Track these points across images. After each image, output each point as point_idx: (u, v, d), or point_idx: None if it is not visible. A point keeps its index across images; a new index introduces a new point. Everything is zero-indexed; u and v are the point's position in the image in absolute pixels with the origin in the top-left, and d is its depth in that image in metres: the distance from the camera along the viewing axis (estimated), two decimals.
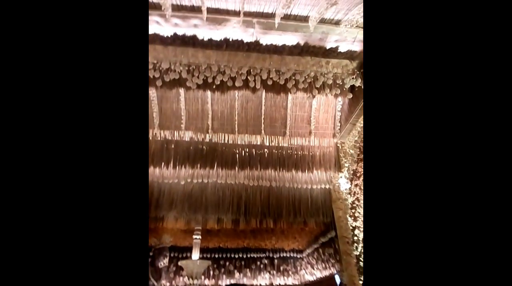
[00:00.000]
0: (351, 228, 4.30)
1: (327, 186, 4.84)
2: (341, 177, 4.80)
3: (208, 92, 4.48)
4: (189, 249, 5.87)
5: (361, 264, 3.98)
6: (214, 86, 3.85)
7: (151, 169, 4.50)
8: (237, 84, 3.77)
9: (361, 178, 4.17)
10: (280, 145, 4.80)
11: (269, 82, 3.83)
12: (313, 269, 5.40)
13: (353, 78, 3.92)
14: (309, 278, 5.52)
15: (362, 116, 4.19)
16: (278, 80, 3.82)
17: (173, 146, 4.60)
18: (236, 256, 6.34)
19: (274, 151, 4.78)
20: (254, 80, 3.78)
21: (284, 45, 3.68)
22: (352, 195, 4.35)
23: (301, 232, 5.54)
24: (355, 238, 4.15)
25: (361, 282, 3.94)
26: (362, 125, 4.23)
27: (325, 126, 4.86)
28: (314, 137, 4.83)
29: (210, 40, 3.57)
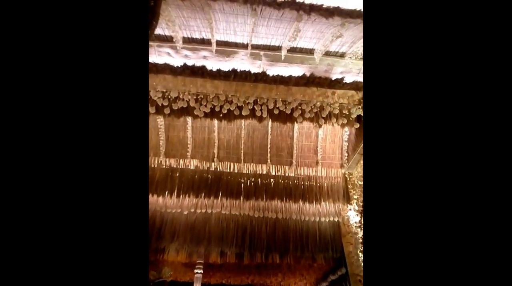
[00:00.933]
0: (362, 264, 4.02)
1: (336, 219, 4.64)
2: (350, 210, 4.62)
3: (215, 121, 4.52)
4: (190, 285, 5.54)
5: None
6: (221, 115, 3.89)
7: (154, 198, 4.42)
8: (243, 113, 3.80)
9: None
10: (287, 174, 4.71)
11: (276, 112, 3.85)
12: None
13: (359, 108, 3.93)
14: None
15: None
16: (284, 110, 3.85)
17: (178, 174, 4.55)
18: None
19: (280, 180, 4.68)
20: (261, 110, 3.82)
21: (290, 76, 3.76)
22: (362, 229, 4.14)
23: (309, 269, 5.20)
24: None
25: None
26: None
27: (332, 157, 4.79)
28: (321, 167, 4.74)
29: (219, 70, 3.68)
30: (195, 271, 5.51)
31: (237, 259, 4.58)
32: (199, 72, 3.68)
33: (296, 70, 3.69)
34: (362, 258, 4.09)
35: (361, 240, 4.19)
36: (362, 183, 4.29)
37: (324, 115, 3.92)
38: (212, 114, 3.89)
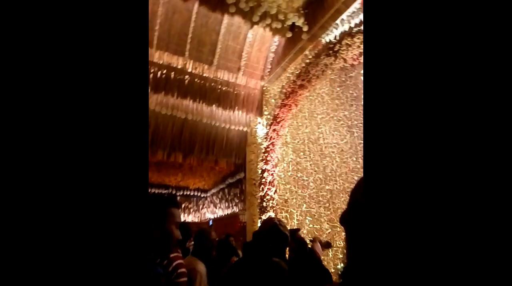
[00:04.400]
0: (260, 170, 4.36)
1: (245, 129, 4.71)
2: (259, 123, 4.72)
3: None
4: None
5: (264, 204, 4.14)
6: None
7: None
8: None
9: (281, 123, 4.16)
10: (205, 75, 4.28)
11: None
12: (216, 208, 5.47)
13: (296, 15, 3.63)
14: (210, 216, 5.60)
15: (294, 62, 4.04)
16: None
17: None
18: None
19: (196, 80, 4.24)
20: None
21: None
22: (268, 140, 4.35)
23: (209, 171, 5.40)
24: (263, 180, 4.24)
25: (259, 220, 4.13)
26: (292, 71, 4.10)
27: (255, 66, 4.55)
28: (242, 75, 4.48)
29: None
30: None
31: None
32: None
33: None
34: (261, 167, 4.40)
35: (263, 150, 4.44)
36: (278, 97, 4.31)
37: (260, 13, 3.48)
38: None
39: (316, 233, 4.95)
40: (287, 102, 3.98)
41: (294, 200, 4.87)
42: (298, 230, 2.31)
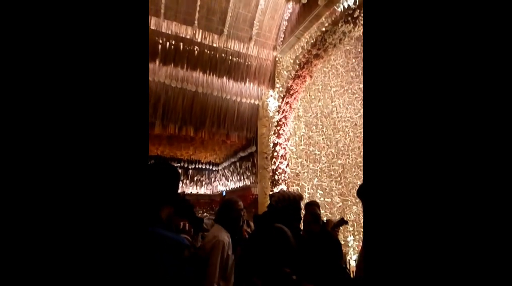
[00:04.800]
0: (272, 144, 4.32)
1: (256, 102, 4.61)
2: (271, 95, 4.60)
3: None
4: None
5: (275, 177, 4.15)
6: None
7: None
8: None
9: (294, 95, 4.03)
10: (214, 45, 4.12)
11: None
12: (227, 181, 5.54)
13: None
14: (222, 188, 5.70)
15: (309, 31, 3.82)
16: None
17: None
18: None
19: (206, 50, 4.10)
20: None
21: None
22: (281, 113, 4.25)
23: (221, 145, 5.40)
24: (275, 153, 4.21)
25: (270, 192, 4.16)
26: (307, 40, 3.89)
27: (267, 35, 4.34)
28: (253, 45, 4.30)
29: None
30: None
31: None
32: None
33: None
34: (273, 141, 4.35)
35: (275, 124, 4.36)
36: (291, 68, 4.14)
37: None
38: None
39: (327, 206, 4.98)
40: (301, 74, 3.83)
41: (306, 174, 4.85)
42: (314, 203, 2.27)
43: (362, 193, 1.84)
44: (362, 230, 4.88)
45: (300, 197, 1.72)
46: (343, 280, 1.39)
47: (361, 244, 3.85)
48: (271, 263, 0.94)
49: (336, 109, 5.48)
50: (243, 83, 4.37)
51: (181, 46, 3.94)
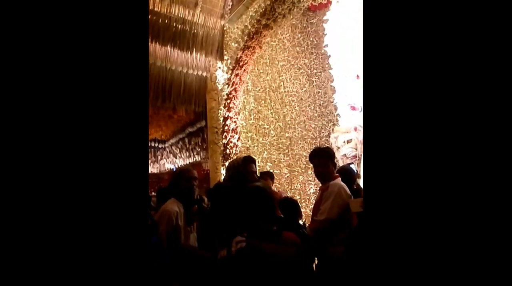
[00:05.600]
0: (223, 118, 4.24)
1: (204, 74, 4.41)
2: (219, 68, 4.44)
3: None
4: None
5: (227, 151, 4.12)
6: None
7: None
8: None
9: (244, 67, 3.96)
10: (156, 9, 3.74)
11: None
12: (176, 158, 5.32)
13: None
14: (170, 166, 5.46)
15: (256, 1, 3.71)
16: None
17: None
18: None
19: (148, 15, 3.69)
20: None
21: None
22: (230, 86, 4.15)
23: (167, 120, 5.10)
24: (226, 127, 4.15)
25: (223, 167, 4.14)
26: (255, 9, 3.78)
27: (215, 2, 4.10)
28: (200, 12, 4.02)
29: None
30: None
31: None
32: None
33: None
34: (224, 114, 4.26)
35: (225, 97, 4.26)
36: (240, 39, 4.02)
37: None
38: None
39: (276, 177, 5.19)
40: (250, 44, 3.74)
41: (256, 148, 4.93)
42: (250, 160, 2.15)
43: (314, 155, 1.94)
44: (307, 198, 5.24)
45: (246, 159, 1.76)
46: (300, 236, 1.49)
47: (309, 212, 4.13)
48: (254, 219, 0.96)
49: (283, 84, 5.59)
50: (189, 53, 4.10)
51: None
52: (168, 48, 3.93)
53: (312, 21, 6.10)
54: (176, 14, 3.87)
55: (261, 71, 5.11)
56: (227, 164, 4.08)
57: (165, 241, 1.57)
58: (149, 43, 3.79)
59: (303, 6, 3.35)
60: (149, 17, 3.70)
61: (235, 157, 4.22)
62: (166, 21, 3.84)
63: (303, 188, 5.46)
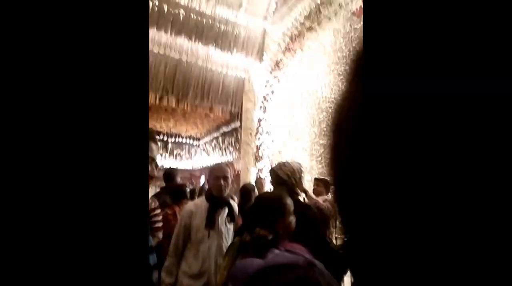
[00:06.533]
0: (258, 119, 4.22)
1: (243, 75, 4.43)
2: (258, 69, 4.43)
3: None
4: None
5: (259, 153, 4.09)
6: None
7: None
8: None
9: (283, 69, 3.91)
10: (201, 9, 3.84)
11: None
12: (209, 156, 5.40)
13: None
14: (202, 164, 5.56)
15: (302, 1, 3.65)
16: None
17: None
18: None
19: (192, 15, 3.81)
20: None
21: None
22: (269, 87, 4.12)
23: (203, 119, 5.20)
24: (260, 129, 4.12)
25: (254, 169, 4.11)
26: (299, 12, 3.72)
27: (258, 3, 4.11)
28: (244, 13, 4.06)
29: None
30: None
31: None
32: None
33: None
34: (257, 116, 4.24)
35: (263, 98, 4.24)
36: (282, 41, 3.98)
37: None
38: None
39: (307, 184, 5.04)
40: (292, 47, 3.69)
41: (288, 152, 4.85)
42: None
43: None
44: None
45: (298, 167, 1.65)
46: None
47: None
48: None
49: (321, 89, 5.44)
50: (229, 53, 4.15)
51: (166, 8, 3.63)
52: (210, 48, 4.01)
53: (356, 26, 5.90)
54: (220, 15, 3.94)
55: (299, 74, 5.03)
56: (258, 165, 4.04)
57: (175, 240, 1.48)
58: (191, 42, 3.90)
59: (351, 9, 3.22)
60: (193, 16, 3.81)
61: (266, 159, 4.17)
62: (210, 21, 3.93)
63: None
